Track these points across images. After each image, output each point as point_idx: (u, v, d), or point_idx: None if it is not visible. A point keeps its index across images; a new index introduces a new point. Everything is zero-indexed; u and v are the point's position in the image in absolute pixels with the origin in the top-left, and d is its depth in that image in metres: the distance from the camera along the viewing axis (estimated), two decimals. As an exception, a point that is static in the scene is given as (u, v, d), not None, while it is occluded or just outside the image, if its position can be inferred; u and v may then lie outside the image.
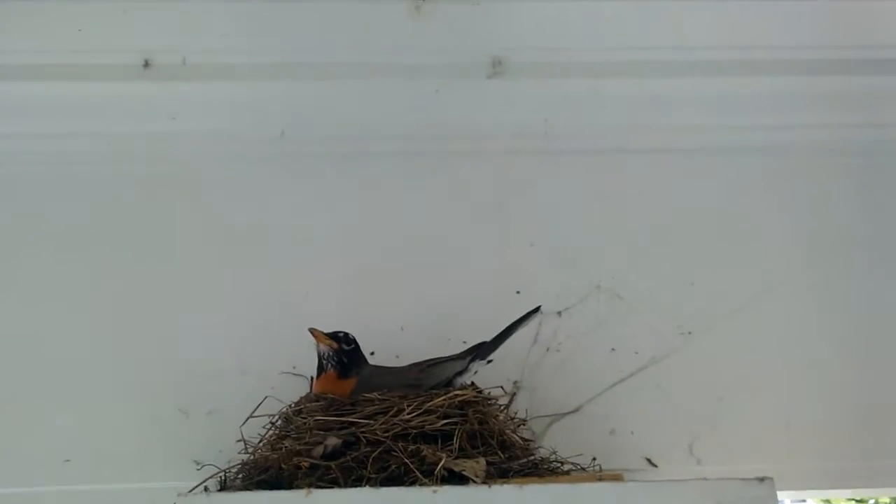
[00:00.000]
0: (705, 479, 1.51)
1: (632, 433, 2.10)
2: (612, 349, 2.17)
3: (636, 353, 2.17)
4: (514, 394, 1.97)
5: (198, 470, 1.80)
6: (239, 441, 1.83)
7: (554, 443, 1.97)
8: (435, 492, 1.46)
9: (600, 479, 1.62)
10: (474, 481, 1.57)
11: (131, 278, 2.22)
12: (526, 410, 2.02)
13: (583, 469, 1.80)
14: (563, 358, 2.16)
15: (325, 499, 1.45)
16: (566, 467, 1.81)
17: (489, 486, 1.48)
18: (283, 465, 1.66)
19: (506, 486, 1.48)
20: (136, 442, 2.01)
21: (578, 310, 2.20)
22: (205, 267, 2.24)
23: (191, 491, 1.56)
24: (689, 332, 2.19)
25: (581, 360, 2.16)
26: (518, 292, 2.19)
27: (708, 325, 2.20)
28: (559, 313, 2.19)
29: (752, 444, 2.10)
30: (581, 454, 1.86)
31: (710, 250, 2.29)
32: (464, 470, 1.60)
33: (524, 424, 1.97)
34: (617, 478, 1.64)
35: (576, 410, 2.11)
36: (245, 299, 2.21)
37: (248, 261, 2.25)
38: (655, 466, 2.07)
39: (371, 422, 1.69)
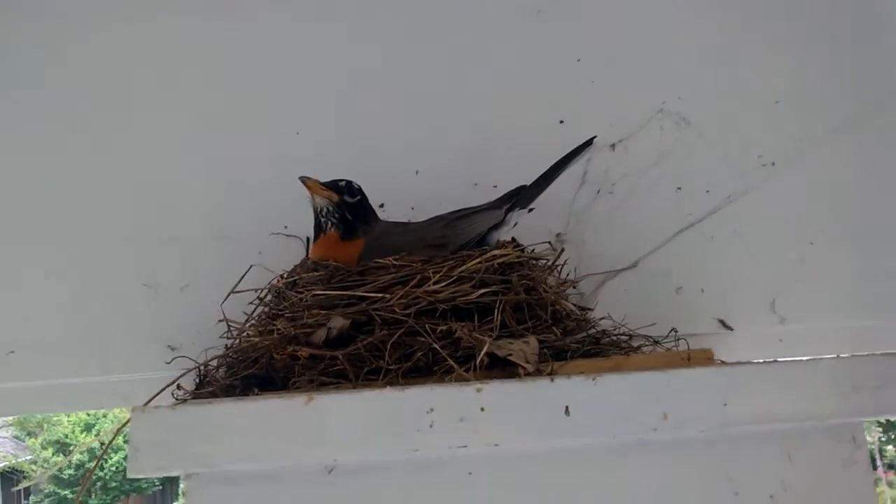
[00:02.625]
0: (838, 356, 1.13)
1: (702, 291, 1.73)
2: (678, 188, 1.75)
3: (707, 191, 1.75)
4: (562, 250, 1.55)
5: (167, 363, 1.41)
6: (220, 321, 1.44)
7: (607, 307, 1.58)
8: (479, 390, 1.08)
9: (688, 360, 1.24)
10: (524, 368, 1.19)
11: (82, 125, 1.75)
12: (575, 269, 1.62)
13: (655, 342, 1.42)
14: (617, 201, 1.75)
15: (333, 405, 1.07)
16: (635, 342, 1.42)
17: (552, 380, 1.09)
18: (274, 355, 1.28)
19: (574, 378, 1.09)
20: (94, 327, 1.63)
21: (637, 140, 1.77)
22: (171, 107, 1.77)
23: (149, 402, 1.17)
24: (773, 163, 1.77)
25: (640, 204, 1.75)
26: (562, 122, 1.75)
27: (796, 153, 1.77)
28: (613, 146, 1.76)
29: (847, 297, 1.73)
30: (654, 324, 1.47)
31: (799, 56, 1.80)
32: (510, 354, 1.21)
33: (574, 288, 1.57)
34: (708, 358, 1.27)
35: (633, 266, 1.73)
36: (222, 144, 1.76)
37: (224, 95, 1.77)
38: (731, 329, 1.71)
39: (386, 296, 1.29)
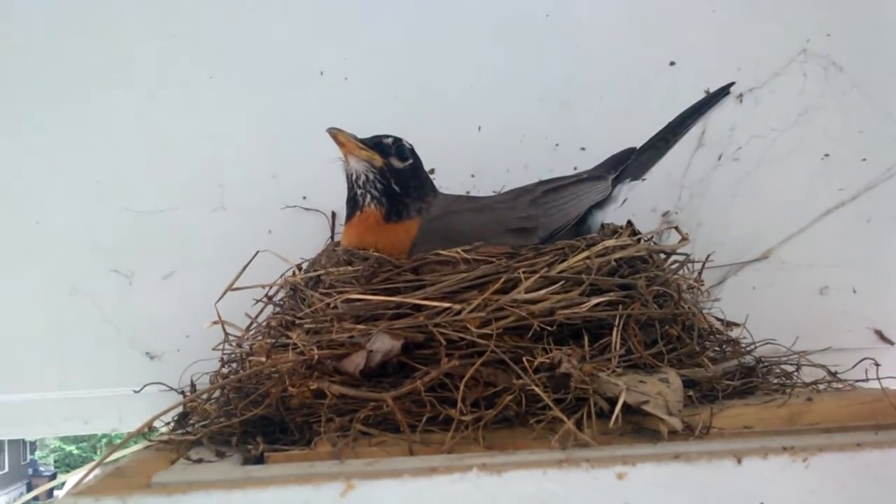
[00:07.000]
0: None
1: (853, 291, 1.35)
2: (825, 155, 1.34)
3: (864, 159, 1.35)
4: (687, 235, 1.12)
5: (137, 392, 1.00)
6: (215, 324, 1.02)
7: (729, 309, 1.16)
8: (622, 476, 0.67)
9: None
10: (668, 425, 0.77)
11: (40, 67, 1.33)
12: (699, 265, 1.19)
13: (833, 375, 1.00)
14: (744, 170, 1.35)
15: (385, 498, 0.65)
16: (804, 370, 1.01)
17: (738, 461, 0.68)
18: (290, 388, 0.86)
19: (772, 457, 0.68)
20: (49, 327, 1.24)
21: (772, 90, 1.35)
22: (159, 45, 1.33)
23: (105, 459, 0.75)
24: (951, 127, 1.33)
25: (774, 174, 1.35)
26: (672, 63, 1.34)
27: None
28: (740, 96, 1.34)
29: None
30: (829, 348, 1.05)
31: None
32: (645, 402, 0.79)
33: (699, 289, 1.15)
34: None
35: (765, 257, 1.32)
36: (225, 81, 1.33)
37: (229, 29, 1.34)
38: (891, 343, 1.30)
39: (455, 305, 0.87)
